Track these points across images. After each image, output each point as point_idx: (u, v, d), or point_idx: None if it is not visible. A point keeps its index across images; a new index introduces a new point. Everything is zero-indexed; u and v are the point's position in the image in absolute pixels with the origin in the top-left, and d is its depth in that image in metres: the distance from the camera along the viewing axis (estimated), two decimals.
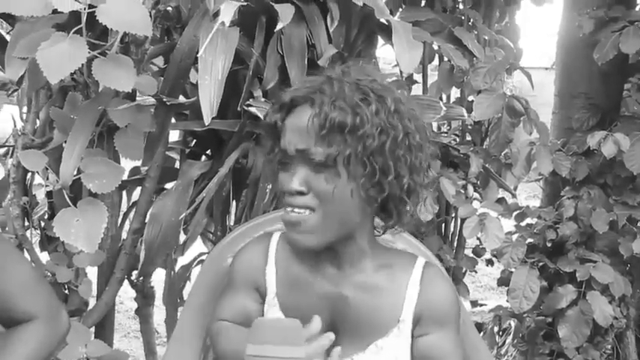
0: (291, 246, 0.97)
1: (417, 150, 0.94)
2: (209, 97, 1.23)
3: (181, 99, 1.52)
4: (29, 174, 1.61)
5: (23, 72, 1.24)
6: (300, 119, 0.91)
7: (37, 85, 1.40)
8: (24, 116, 1.57)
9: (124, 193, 1.88)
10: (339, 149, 0.89)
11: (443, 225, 1.92)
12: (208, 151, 1.78)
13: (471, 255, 1.99)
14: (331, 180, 0.90)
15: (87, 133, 1.33)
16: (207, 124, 1.22)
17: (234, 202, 1.68)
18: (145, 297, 1.89)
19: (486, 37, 1.76)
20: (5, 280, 0.91)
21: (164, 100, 1.42)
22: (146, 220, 1.57)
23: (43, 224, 1.70)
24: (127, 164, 1.79)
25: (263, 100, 1.45)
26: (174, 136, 1.87)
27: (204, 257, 1.83)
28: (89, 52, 1.21)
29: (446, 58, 1.80)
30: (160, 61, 1.74)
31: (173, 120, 1.62)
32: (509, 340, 2.47)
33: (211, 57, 1.26)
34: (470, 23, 1.80)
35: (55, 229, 1.31)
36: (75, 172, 1.34)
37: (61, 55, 1.17)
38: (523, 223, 2.01)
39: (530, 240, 1.95)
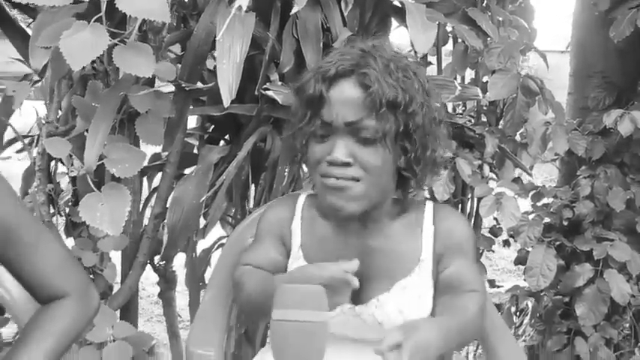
0: (331, 211, 0.99)
1: (439, 125, 1.00)
2: (228, 81, 1.26)
3: (199, 85, 1.54)
4: (53, 162, 1.65)
5: (46, 62, 1.27)
6: (349, 92, 0.94)
7: (60, 74, 1.43)
8: (47, 106, 1.61)
9: (145, 179, 1.92)
10: (390, 125, 0.93)
11: (459, 206, 1.93)
12: (226, 137, 1.80)
13: (488, 235, 2.00)
14: (378, 153, 0.94)
15: (109, 120, 1.36)
16: (226, 107, 1.24)
17: (252, 186, 1.71)
18: (167, 281, 1.93)
19: (500, 18, 1.76)
20: (39, 257, 0.95)
21: (183, 85, 1.44)
22: (167, 205, 1.60)
23: (67, 210, 1.74)
24: (147, 151, 1.83)
25: (280, 83, 1.47)
26: (192, 123, 1.90)
27: (224, 241, 1.86)
28: (109, 40, 1.24)
29: (459, 40, 1.80)
30: (177, 49, 1.77)
31: (191, 107, 1.65)
32: (526, 320, 2.48)
33: (229, 42, 1.28)
34: (483, 4, 1.79)
35: (81, 214, 1.35)
36: (97, 159, 1.37)
37: (83, 43, 1.20)
38: (539, 204, 2.01)
39: (546, 219, 1.95)
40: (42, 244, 0.96)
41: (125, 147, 1.42)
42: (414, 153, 0.97)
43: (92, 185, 1.40)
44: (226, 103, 1.24)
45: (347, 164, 0.94)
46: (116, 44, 1.29)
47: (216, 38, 1.29)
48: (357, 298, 1.04)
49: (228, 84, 1.25)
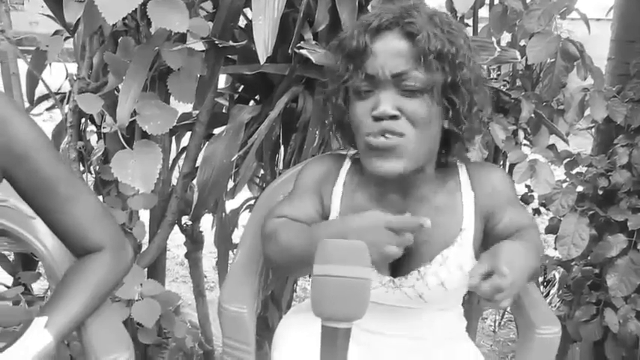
0: (376, 173, 0.95)
1: (483, 86, 0.97)
2: (263, 37, 1.23)
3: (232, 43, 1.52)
4: (83, 120, 1.65)
5: (80, 15, 1.25)
6: (394, 43, 0.91)
7: (92, 29, 1.42)
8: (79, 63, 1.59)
9: (174, 139, 1.92)
10: (438, 76, 0.90)
11: None
12: (256, 97, 1.78)
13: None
14: (425, 105, 0.91)
15: (142, 76, 1.35)
16: (262, 63, 1.22)
17: (282, 147, 1.70)
18: (194, 242, 1.94)
19: None
20: (77, 210, 0.95)
21: (216, 42, 1.42)
22: (197, 165, 1.60)
23: (97, 168, 1.74)
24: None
25: (314, 42, 1.44)
26: (221, 83, 1.88)
27: (252, 202, 1.86)
28: None
29: (497, 1, 1.74)
30: (208, 7, 1.74)
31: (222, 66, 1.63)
32: (553, 290, 2.46)
33: None
34: None
35: (113, 170, 1.35)
36: (130, 115, 1.36)
37: None
38: (573, 172, 1.96)
39: (579, 188, 1.91)
40: (80, 196, 0.95)
41: (157, 104, 1.41)
42: (461, 108, 0.93)
43: (123, 142, 1.40)
44: (262, 59, 1.21)
45: (394, 117, 0.91)
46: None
47: None
48: (397, 269, 1.03)
49: (264, 40, 1.22)
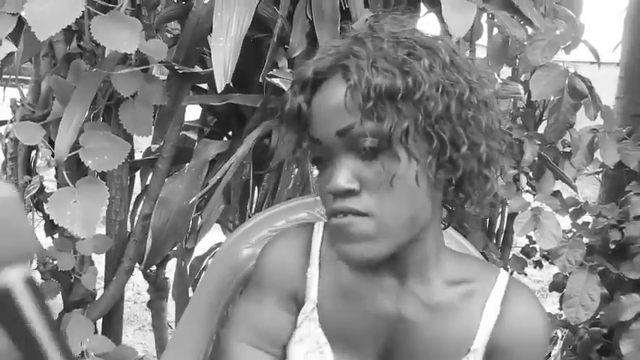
0: (345, 262, 0.73)
1: (487, 108, 0.72)
2: (223, 61, 1.05)
3: (196, 69, 1.36)
4: (33, 152, 1.48)
5: (11, 30, 1.08)
6: (333, 95, 0.69)
7: (35, 48, 1.25)
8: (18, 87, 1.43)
9: (139, 176, 1.75)
10: (392, 123, 0.67)
11: (487, 220, 1.71)
12: (230, 133, 1.61)
13: (520, 255, 1.77)
14: (390, 166, 0.68)
15: (86, 103, 1.17)
16: (219, 91, 1.04)
17: (255, 188, 1.52)
18: (157, 289, 1.75)
19: (545, 6, 1.54)
20: None
21: (176, 67, 1.25)
22: None
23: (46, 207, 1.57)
24: (142, 144, 1.65)
25: (289, 70, 1.27)
26: (194, 115, 1.72)
27: None
28: (95, 13, 1.05)
29: (495, 31, 1.59)
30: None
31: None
32: (555, 351, 2.24)
33: (228, 15, 1.08)
34: None
35: (49, 210, 1.17)
36: (70, 148, 1.19)
37: (53, 9, 1.01)
38: (579, 221, 1.78)
39: (586, 240, 1.72)
40: None
41: (106, 136, 1.23)
42: (441, 154, 0.69)
43: (67, 178, 1.22)
44: (219, 87, 1.03)
45: (351, 192, 0.69)
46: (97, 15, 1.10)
47: (214, 12, 1.09)
48: None
49: (223, 64, 1.05)
